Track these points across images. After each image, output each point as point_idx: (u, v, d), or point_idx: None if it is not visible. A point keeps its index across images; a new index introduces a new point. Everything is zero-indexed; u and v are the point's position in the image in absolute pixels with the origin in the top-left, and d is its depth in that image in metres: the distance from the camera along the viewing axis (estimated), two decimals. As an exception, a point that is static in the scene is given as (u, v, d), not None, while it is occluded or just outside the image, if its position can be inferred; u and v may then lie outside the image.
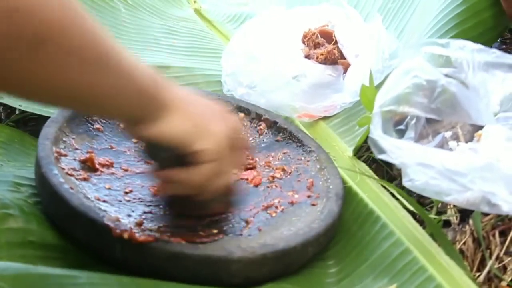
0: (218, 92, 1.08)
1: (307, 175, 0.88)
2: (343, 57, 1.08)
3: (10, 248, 0.69)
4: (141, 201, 0.79)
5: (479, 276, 0.77)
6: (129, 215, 0.75)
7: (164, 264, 0.70)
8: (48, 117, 0.86)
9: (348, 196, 0.87)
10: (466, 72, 0.85)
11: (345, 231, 0.84)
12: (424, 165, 0.75)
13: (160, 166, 0.76)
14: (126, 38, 1.23)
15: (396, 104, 0.82)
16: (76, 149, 0.84)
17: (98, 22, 0.60)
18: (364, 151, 0.95)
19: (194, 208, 0.78)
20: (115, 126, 0.91)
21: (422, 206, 0.84)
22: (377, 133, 0.78)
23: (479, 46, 0.86)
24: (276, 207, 0.83)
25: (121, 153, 0.87)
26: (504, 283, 0.76)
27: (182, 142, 0.71)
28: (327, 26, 1.13)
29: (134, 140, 0.90)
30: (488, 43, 0.96)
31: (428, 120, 0.86)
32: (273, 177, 0.88)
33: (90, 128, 0.89)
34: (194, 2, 1.45)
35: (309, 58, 1.09)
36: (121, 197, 0.79)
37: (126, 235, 0.70)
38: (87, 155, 0.83)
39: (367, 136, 0.80)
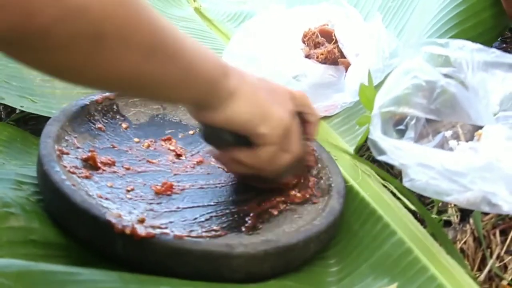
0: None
1: (309, 174, 0.88)
2: (343, 56, 1.08)
3: (11, 247, 0.69)
4: (143, 199, 0.79)
5: (480, 275, 0.77)
6: (131, 212, 0.76)
7: (166, 259, 0.71)
8: (49, 117, 0.87)
9: (349, 195, 0.87)
10: (466, 72, 0.86)
11: (346, 230, 0.84)
12: (424, 165, 0.75)
13: (220, 149, 0.80)
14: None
15: (396, 105, 0.82)
16: (78, 147, 0.84)
17: (158, 13, 0.63)
18: (365, 151, 0.95)
19: (264, 181, 0.82)
20: (116, 125, 0.92)
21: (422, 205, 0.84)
22: (376, 134, 0.78)
23: (478, 45, 0.86)
24: (278, 206, 0.83)
25: (123, 152, 0.87)
26: (505, 282, 0.76)
27: (246, 126, 0.75)
28: (327, 25, 1.13)
29: (136, 140, 0.90)
30: (488, 43, 0.96)
31: (428, 120, 0.86)
32: None
33: (92, 128, 0.89)
34: (194, 1, 1.45)
35: (309, 58, 1.09)
36: (123, 195, 0.79)
37: (128, 231, 0.70)
38: (89, 154, 0.83)
39: (367, 137, 0.80)
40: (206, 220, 0.78)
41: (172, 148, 0.90)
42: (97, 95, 0.92)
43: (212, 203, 0.82)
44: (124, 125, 0.92)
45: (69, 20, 0.53)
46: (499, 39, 1.10)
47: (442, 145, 0.86)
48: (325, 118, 1.04)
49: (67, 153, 0.82)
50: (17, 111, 1.05)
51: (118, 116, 0.93)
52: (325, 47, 1.09)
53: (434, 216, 0.84)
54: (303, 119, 0.82)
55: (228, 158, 0.81)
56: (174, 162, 0.88)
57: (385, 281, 0.75)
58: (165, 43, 0.63)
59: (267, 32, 1.13)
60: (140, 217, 0.75)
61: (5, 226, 0.71)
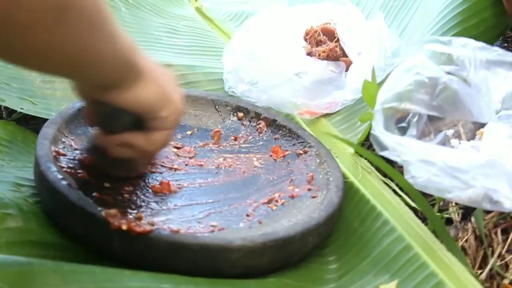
0: (219, 90, 1.08)
1: (307, 169, 0.88)
2: (345, 55, 1.08)
3: (9, 248, 0.69)
4: (140, 198, 0.79)
5: (481, 273, 0.77)
6: (128, 210, 0.75)
7: (163, 255, 0.70)
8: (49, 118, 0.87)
9: (349, 192, 0.87)
10: (468, 70, 0.86)
11: (346, 227, 0.84)
12: (426, 162, 0.75)
13: (112, 132, 0.78)
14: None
15: (398, 101, 0.82)
16: (75, 149, 0.84)
17: None
18: (366, 149, 0.95)
19: (121, 168, 0.81)
20: None
21: (424, 203, 0.84)
22: (379, 130, 0.78)
23: (481, 44, 0.86)
24: (277, 201, 0.83)
25: None
26: (506, 281, 0.76)
27: (149, 108, 0.75)
28: (329, 24, 1.13)
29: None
30: (490, 42, 0.95)
31: (430, 118, 0.86)
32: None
33: (89, 130, 0.89)
34: (195, 0, 1.45)
35: (311, 56, 1.09)
36: (120, 194, 0.79)
37: (124, 227, 0.70)
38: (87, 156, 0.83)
39: (369, 133, 0.80)
40: (204, 217, 0.78)
41: (169, 147, 0.90)
42: None
43: (210, 201, 0.82)
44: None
45: None
46: (500, 38, 1.10)
47: (443, 143, 0.85)
48: (326, 115, 1.03)
49: (64, 154, 0.82)
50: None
51: None
52: (327, 45, 1.09)
53: (435, 214, 0.83)
54: None
55: (118, 141, 0.79)
56: (172, 161, 0.88)
57: (385, 278, 0.75)
58: (104, 18, 0.63)
59: (268, 29, 1.13)
60: (137, 214, 0.75)
61: (3, 227, 0.71)
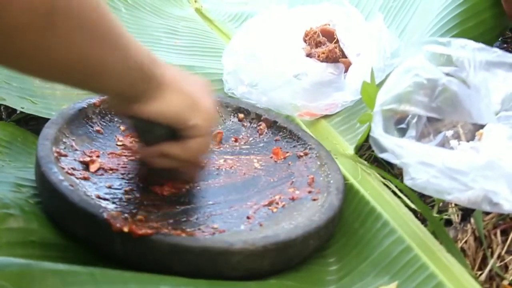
0: (219, 91, 1.08)
1: (308, 172, 0.89)
2: (344, 56, 1.08)
3: (10, 248, 0.69)
4: (141, 200, 0.79)
5: (480, 274, 0.77)
6: (130, 212, 0.75)
7: (164, 257, 0.70)
8: (49, 118, 0.87)
9: (349, 194, 0.87)
10: (467, 71, 0.85)
11: (346, 228, 0.84)
12: (426, 163, 0.75)
13: (148, 143, 0.79)
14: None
15: (397, 102, 0.82)
16: (76, 150, 0.84)
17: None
18: (366, 150, 0.95)
19: (165, 176, 0.82)
20: (114, 128, 0.91)
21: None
22: (378, 132, 0.78)
23: (480, 45, 0.86)
24: (277, 203, 0.83)
25: (122, 154, 0.87)
26: (505, 282, 0.76)
27: (177, 119, 0.75)
28: (329, 25, 1.13)
29: (121, 128, 0.90)
30: (489, 43, 0.95)
31: (429, 119, 0.86)
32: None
33: (90, 130, 0.89)
34: (195, 1, 1.45)
35: (310, 57, 1.09)
36: (121, 196, 0.79)
37: (126, 229, 0.70)
38: (88, 158, 0.83)
39: (368, 135, 0.80)
40: (205, 219, 0.78)
41: None
42: (95, 98, 0.91)
43: (210, 202, 0.82)
44: (122, 128, 0.92)
45: None
46: (500, 39, 1.10)
47: (443, 144, 0.86)
48: (325, 117, 1.03)
49: (65, 155, 0.82)
50: (18, 112, 1.05)
51: (116, 119, 0.92)
52: (326, 47, 1.09)
53: (434, 215, 0.84)
54: None
55: (156, 153, 0.79)
56: None
57: (385, 279, 0.75)
58: (108, 27, 0.63)
59: (268, 31, 1.13)
60: (138, 217, 0.75)
61: (4, 227, 0.71)
